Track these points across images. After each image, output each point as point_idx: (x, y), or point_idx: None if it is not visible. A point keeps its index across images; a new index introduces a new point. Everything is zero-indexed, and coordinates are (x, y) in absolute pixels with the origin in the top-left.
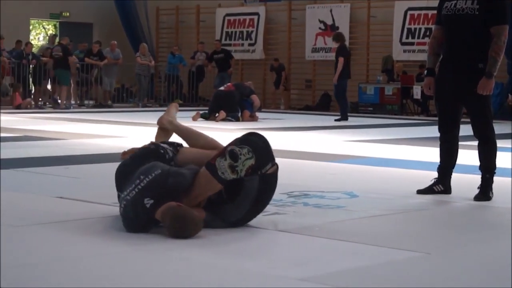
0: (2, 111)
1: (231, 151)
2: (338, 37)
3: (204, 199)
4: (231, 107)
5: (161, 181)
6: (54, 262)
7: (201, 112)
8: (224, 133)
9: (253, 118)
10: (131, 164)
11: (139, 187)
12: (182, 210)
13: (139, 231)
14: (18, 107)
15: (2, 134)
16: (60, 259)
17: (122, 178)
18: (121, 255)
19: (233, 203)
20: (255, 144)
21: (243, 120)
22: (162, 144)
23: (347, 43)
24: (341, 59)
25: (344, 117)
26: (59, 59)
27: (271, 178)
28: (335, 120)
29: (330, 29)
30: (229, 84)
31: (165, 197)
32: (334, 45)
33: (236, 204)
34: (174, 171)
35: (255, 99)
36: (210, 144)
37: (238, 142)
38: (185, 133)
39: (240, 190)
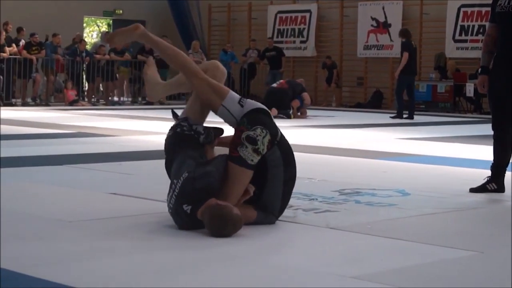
0: (55, 107)
1: (248, 137)
2: (404, 33)
3: (243, 194)
4: (283, 104)
5: (188, 187)
6: (105, 257)
7: None
8: None
9: (302, 115)
10: (169, 151)
11: (175, 194)
12: (220, 208)
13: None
14: (71, 103)
15: (56, 131)
16: (111, 254)
17: (167, 168)
18: (172, 251)
19: (267, 186)
20: (263, 120)
21: (294, 116)
22: (194, 126)
23: (399, 40)
24: (405, 54)
25: (399, 115)
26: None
27: (284, 139)
28: (390, 117)
29: (382, 26)
30: (282, 81)
31: (199, 200)
32: (402, 40)
33: (269, 185)
34: (199, 174)
35: (306, 97)
36: (186, 61)
37: (246, 125)
38: (161, 46)
39: (266, 171)
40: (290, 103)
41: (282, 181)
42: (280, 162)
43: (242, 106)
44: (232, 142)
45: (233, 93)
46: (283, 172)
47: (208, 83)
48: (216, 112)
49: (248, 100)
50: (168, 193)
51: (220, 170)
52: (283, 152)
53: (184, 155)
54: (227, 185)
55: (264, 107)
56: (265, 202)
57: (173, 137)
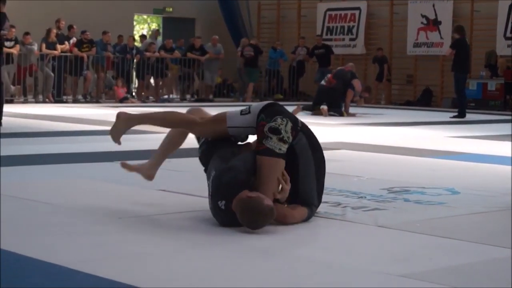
0: (106, 104)
1: (270, 129)
2: (460, 30)
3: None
4: (334, 102)
5: (217, 183)
6: (152, 254)
7: (301, 106)
8: (327, 128)
9: (359, 103)
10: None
11: (210, 193)
12: (250, 201)
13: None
14: (121, 101)
15: (106, 128)
16: (160, 251)
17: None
18: (219, 246)
19: (300, 176)
20: (279, 110)
21: (346, 114)
22: None
23: (449, 37)
24: (450, 50)
25: (460, 114)
26: (250, 58)
27: (305, 125)
28: (451, 117)
29: (433, 24)
30: (329, 76)
31: (230, 194)
32: (456, 36)
33: (302, 174)
34: (224, 168)
35: (357, 84)
36: (177, 118)
37: (265, 119)
38: (149, 117)
39: (297, 161)
40: (340, 100)
41: (314, 169)
42: (308, 148)
43: (248, 112)
44: (257, 139)
45: (231, 111)
46: (313, 159)
47: (206, 122)
48: (230, 136)
49: (253, 104)
50: (208, 194)
51: (248, 164)
52: (308, 138)
53: (215, 156)
54: (260, 179)
55: (273, 101)
56: (303, 195)
57: (205, 147)
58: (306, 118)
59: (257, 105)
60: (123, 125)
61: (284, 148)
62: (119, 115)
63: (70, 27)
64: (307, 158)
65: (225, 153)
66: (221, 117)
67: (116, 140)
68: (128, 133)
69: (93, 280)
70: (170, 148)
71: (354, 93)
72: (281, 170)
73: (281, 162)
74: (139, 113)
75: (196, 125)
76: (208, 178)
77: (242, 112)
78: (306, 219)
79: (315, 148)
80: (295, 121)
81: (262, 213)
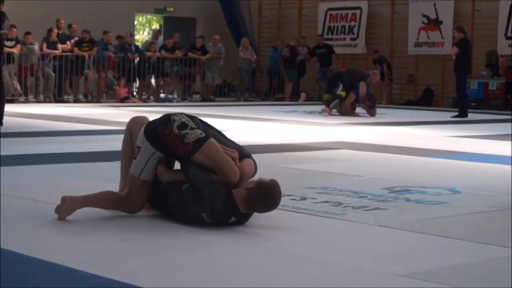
0: (107, 104)
1: (179, 127)
2: (462, 29)
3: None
4: (332, 84)
5: (215, 216)
6: (152, 254)
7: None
8: (328, 127)
9: (352, 112)
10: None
11: (212, 223)
12: (258, 191)
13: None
14: (122, 100)
15: (107, 127)
16: (159, 250)
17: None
18: (219, 246)
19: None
20: (162, 119)
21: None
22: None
23: (450, 37)
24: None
25: (461, 114)
26: (287, 59)
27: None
28: (452, 117)
29: (434, 24)
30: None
31: (232, 209)
32: (456, 35)
33: (221, 141)
34: (207, 204)
35: (361, 87)
36: (113, 199)
37: (166, 127)
38: (92, 200)
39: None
40: (338, 82)
41: (221, 135)
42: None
43: (138, 149)
44: (176, 145)
45: (131, 168)
46: (214, 129)
47: (128, 194)
48: (148, 181)
49: (136, 146)
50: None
51: (203, 177)
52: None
53: (179, 204)
54: (216, 166)
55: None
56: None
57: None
58: (310, 118)
59: (139, 136)
60: (72, 206)
61: (200, 131)
62: (64, 199)
63: (69, 26)
64: (213, 130)
65: (179, 197)
66: (131, 180)
67: (63, 217)
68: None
69: (93, 279)
70: (98, 203)
71: (355, 96)
72: (219, 146)
73: (212, 140)
74: (82, 196)
75: (126, 204)
76: (193, 219)
77: (135, 156)
78: (256, 167)
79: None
80: (178, 114)
81: (275, 189)
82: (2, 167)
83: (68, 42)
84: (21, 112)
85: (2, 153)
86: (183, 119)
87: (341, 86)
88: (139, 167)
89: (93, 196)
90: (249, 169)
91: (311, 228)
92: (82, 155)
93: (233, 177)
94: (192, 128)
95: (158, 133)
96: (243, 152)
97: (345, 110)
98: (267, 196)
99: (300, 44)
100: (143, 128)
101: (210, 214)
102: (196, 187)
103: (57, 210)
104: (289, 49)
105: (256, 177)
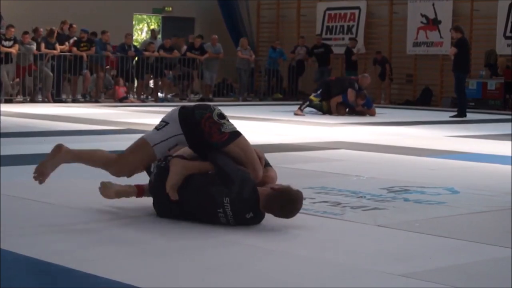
0: (105, 104)
1: (218, 116)
2: (460, 29)
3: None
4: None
5: (239, 203)
6: (154, 254)
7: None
8: (326, 127)
9: (341, 111)
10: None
11: (231, 217)
12: (283, 194)
13: None
14: (121, 100)
15: (105, 127)
16: (163, 251)
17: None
18: (223, 248)
19: None
20: (200, 105)
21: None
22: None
23: (449, 36)
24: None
25: (460, 113)
26: (321, 58)
27: None
28: (450, 116)
29: (432, 23)
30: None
31: (254, 202)
32: (454, 35)
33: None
34: (235, 188)
35: (349, 93)
36: (106, 157)
37: (205, 112)
38: (84, 155)
39: None
40: (318, 89)
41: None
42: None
43: (166, 124)
44: (210, 132)
45: (146, 134)
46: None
47: (126, 154)
48: (156, 156)
49: (163, 117)
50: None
51: (233, 165)
52: None
53: (203, 187)
54: (246, 160)
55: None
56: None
57: (157, 171)
58: (309, 118)
59: (171, 113)
60: (61, 158)
61: (234, 126)
62: (59, 147)
63: (70, 26)
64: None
65: (205, 177)
66: (140, 143)
67: (47, 174)
68: (126, 133)
69: (93, 280)
70: (90, 157)
71: (344, 100)
72: (249, 143)
73: (244, 136)
74: (77, 151)
75: (116, 162)
76: (213, 207)
77: (158, 128)
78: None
79: None
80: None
81: (298, 200)
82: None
83: (66, 43)
84: (20, 112)
85: (1, 153)
86: (221, 110)
87: (319, 92)
88: (157, 139)
89: (88, 151)
90: (275, 174)
91: (310, 228)
92: None
93: (259, 172)
94: (228, 121)
95: (195, 115)
96: (265, 161)
97: (332, 109)
98: (289, 202)
99: (299, 44)
100: (178, 107)
101: (234, 200)
102: (226, 172)
103: (44, 164)
104: (324, 48)
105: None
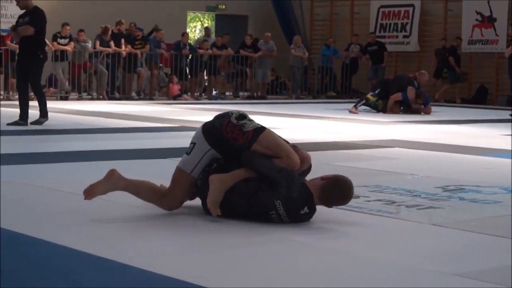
0: (159, 101)
1: (238, 118)
2: None
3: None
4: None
5: (291, 204)
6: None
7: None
8: (380, 126)
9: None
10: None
11: (284, 217)
12: (335, 184)
13: None
14: (175, 98)
15: (160, 124)
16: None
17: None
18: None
19: None
20: (219, 114)
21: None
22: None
23: (505, 34)
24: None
25: None
26: (375, 55)
27: None
28: (510, 114)
29: (487, 21)
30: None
31: (308, 196)
32: (511, 32)
33: None
34: (286, 191)
35: (409, 91)
36: (154, 191)
37: (224, 118)
38: (134, 184)
39: None
40: (377, 88)
41: None
42: None
43: (193, 145)
44: (235, 136)
45: (179, 163)
46: None
47: (169, 188)
48: (195, 180)
49: (191, 142)
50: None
51: (273, 166)
52: None
53: (254, 193)
54: (278, 154)
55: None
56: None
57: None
58: (362, 116)
59: (196, 132)
60: (114, 183)
61: (257, 123)
62: (112, 172)
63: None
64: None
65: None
66: (178, 174)
67: (98, 194)
68: (180, 130)
69: (148, 276)
70: (138, 191)
71: (403, 98)
72: (276, 134)
73: (270, 130)
74: (128, 179)
75: (166, 199)
76: (264, 209)
77: (188, 152)
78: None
79: None
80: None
81: (352, 185)
82: (54, 164)
83: (123, 42)
84: (74, 109)
85: (55, 150)
86: (241, 112)
87: (376, 91)
88: (192, 164)
89: (136, 182)
90: (306, 153)
91: (364, 226)
92: (134, 152)
93: (296, 160)
94: (250, 120)
95: (215, 126)
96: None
97: (388, 107)
98: (345, 189)
99: (353, 42)
100: (201, 125)
101: (285, 200)
102: (269, 177)
103: (99, 184)
104: (377, 45)
105: (310, 176)
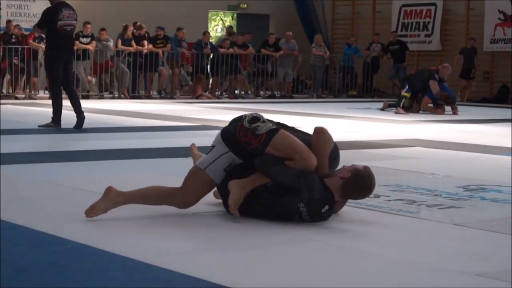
0: (180, 100)
1: (250, 121)
2: None
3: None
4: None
5: (313, 204)
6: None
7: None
8: (401, 125)
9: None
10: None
11: (308, 217)
12: (356, 179)
13: None
14: (197, 96)
15: (181, 123)
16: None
17: None
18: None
19: None
20: (234, 119)
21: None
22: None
23: None
24: None
25: None
26: (397, 54)
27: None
28: None
29: (510, 20)
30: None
31: (329, 195)
32: None
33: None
34: (307, 194)
35: (432, 85)
36: (162, 192)
37: (236, 123)
38: (136, 195)
39: None
40: (405, 84)
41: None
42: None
43: (213, 146)
44: (248, 140)
45: (199, 161)
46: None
47: (183, 186)
48: (212, 179)
49: (211, 145)
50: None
51: (290, 172)
52: None
53: (276, 198)
54: (291, 155)
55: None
56: None
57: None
58: (383, 115)
59: (216, 136)
60: (113, 200)
61: (272, 124)
62: (109, 189)
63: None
64: (286, 127)
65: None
66: (193, 170)
67: (100, 213)
68: (201, 129)
69: (169, 275)
70: (143, 199)
71: (431, 98)
72: (291, 135)
73: (283, 131)
74: (129, 192)
75: (180, 194)
76: (285, 214)
77: (207, 152)
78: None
79: None
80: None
81: (372, 175)
82: (76, 162)
83: (145, 42)
84: (96, 108)
85: (77, 148)
86: (254, 115)
87: (406, 87)
88: (207, 162)
89: (138, 191)
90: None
91: (385, 225)
92: (156, 151)
93: (311, 160)
94: (263, 122)
95: (230, 131)
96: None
97: (423, 107)
98: (364, 185)
99: (374, 41)
100: (220, 130)
101: (307, 202)
102: (287, 185)
103: (98, 203)
104: (399, 44)
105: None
